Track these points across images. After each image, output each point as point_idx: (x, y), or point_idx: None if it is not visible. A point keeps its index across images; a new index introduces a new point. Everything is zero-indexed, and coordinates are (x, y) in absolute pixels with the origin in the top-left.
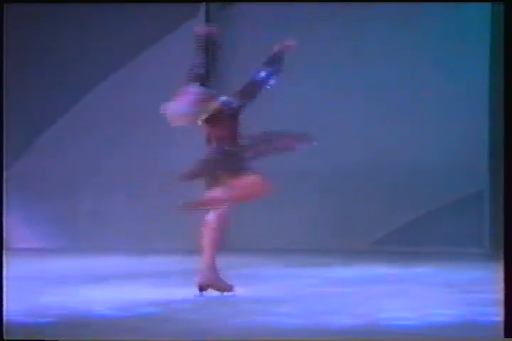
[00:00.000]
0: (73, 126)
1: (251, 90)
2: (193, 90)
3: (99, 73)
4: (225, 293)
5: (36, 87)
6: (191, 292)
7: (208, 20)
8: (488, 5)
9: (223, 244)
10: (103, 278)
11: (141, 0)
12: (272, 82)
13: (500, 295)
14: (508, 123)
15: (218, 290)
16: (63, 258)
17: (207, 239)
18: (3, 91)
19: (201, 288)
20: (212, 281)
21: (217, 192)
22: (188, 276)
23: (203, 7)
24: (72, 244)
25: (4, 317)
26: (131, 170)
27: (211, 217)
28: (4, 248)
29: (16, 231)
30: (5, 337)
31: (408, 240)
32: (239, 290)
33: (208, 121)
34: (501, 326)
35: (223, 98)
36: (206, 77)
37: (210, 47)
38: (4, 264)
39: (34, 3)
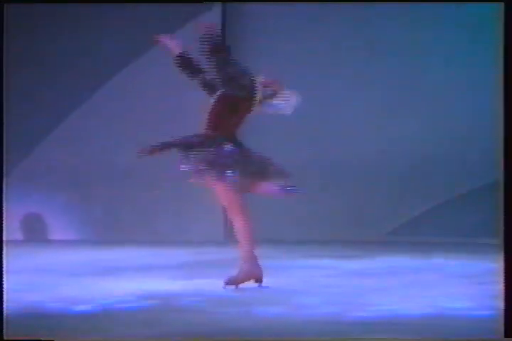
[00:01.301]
0: (84, 120)
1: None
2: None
3: (105, 71)
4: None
5: (43, 83)
6: (206, 283)
7: (224, 14)
8: (498, 4)
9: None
10: (116, 270)
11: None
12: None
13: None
14: (508, 122)
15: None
16: (76, 250)
17: (241, 231)
18: (3, 91)
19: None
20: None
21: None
22: (202, 268)
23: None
24: (85, 235)
25: (4, 317)
26: (143, 162)
27: (236, 210)
28: (12, 241)
29: (27, 224)
30: (5, 337)
31: (422, 231)
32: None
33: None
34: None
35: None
36: (215, 83)
37: (215, 49)
38: (10, 258)
39: (34, 3)
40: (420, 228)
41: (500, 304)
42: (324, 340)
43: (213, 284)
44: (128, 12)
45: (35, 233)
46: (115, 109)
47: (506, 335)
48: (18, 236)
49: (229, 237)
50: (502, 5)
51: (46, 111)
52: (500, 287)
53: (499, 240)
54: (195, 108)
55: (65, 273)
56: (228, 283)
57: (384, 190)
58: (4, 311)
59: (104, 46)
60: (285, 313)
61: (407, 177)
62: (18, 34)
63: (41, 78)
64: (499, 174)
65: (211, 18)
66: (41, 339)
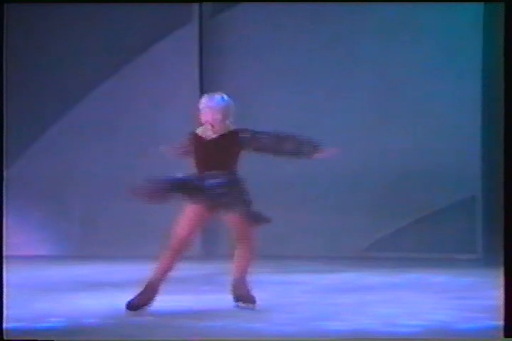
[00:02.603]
0: (66, 132)
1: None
2: None
3: (96, 76)
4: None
5: (29, 91)
6: (185, 299)
7: (201, 25)
8: (480, 5)
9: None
10: (95, 285)
11: (135, 0)
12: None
13: (495, 300)
14: (508, 128)
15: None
16: (55, 265)
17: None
18: (3, 92)
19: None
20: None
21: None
22: (181, 283)
23: (196, 12)
24: (64, 251)
25: (4, 318)
26: (123, 176)
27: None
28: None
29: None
30: (5, 337)
31: (400, 246)
32: (229, 297)
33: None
34: (493, 331)
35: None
36: None
37: None
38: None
39: (34, 3)
40: (397, 244)
41: (488, 319)
42: (324, 340)
43: (189, 300)
44: (124, 16)
45: (9, 249)
46: (91, 121)
47: (506, 335)
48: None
49: (205, 252)
50: (502, 5)
51: (23, 122)
52: (481, 301)
53: (477, 255)
54: (175, 118)
55: (38, 288)
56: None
57: (362, 205)
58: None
59: (101, 47)
60: (260, 329)
61: (384, 192)
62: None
63: (26, 85)
64: (477, 189)
65: (188, 31)
66: (41, 339)
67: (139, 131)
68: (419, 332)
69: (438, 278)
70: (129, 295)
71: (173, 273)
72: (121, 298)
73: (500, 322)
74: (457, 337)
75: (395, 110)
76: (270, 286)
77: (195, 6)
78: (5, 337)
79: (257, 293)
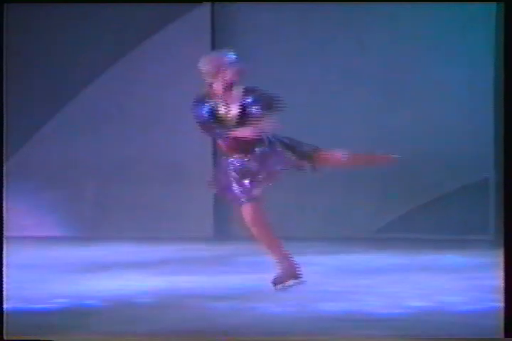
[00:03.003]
0: (76, 116)
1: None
2: None
3: (100, 67)
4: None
5: (38, 79)
6: (196, 279)
7: (213, 7)
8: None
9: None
10: (107, 266)
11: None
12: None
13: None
14: (508, 120)
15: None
16: (65, 246)
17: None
18: (3, 89)
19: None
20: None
21: None
22: (191, 264)
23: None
24: (77, 232)
25: (4, 318)
26: (135, 158)
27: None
28: (5, 237)
29: (19, 220)
30: (5, 337)
31: (413, 228)
32: (245, 277)
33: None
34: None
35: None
36: None
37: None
38: (6, 254)
39: (34, 3)
40: (410, 225)
41: (497, 301)
42: (324, 340)
43: (202, 281)
44: (116, 10)
45: (23, 230)
46: (103, 107)
47: (506, 335)
48: (6, 232)
49: (218, 234)
50: (502, 5)
51: (34, 108)
52: (492, 282)
53: (490, 236)
54: (182, 108)
55: (52, 269)
56: (276, 282)
57: (373, 186)
58: (4, 312)
59: (103, 42)
60: (274, 310)
61: (396, 173)
62: (18, 34)
63: (33, 77)
64: (490, 171)
65: (200, 13)
66: (41, 339)
67: (150, 114)
68: (428, 312)
69: (450, 259)
70: (139, 276)
71: (187, 254)
72: (131, 279)
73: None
74: (457, 336)
75: (407, 93)
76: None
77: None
78: (5, 337)
79: (268, 275)
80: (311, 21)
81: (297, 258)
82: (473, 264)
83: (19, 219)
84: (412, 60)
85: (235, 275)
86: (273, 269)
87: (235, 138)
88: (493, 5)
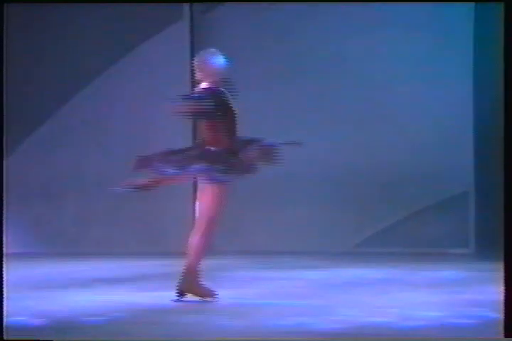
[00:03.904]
0: (58, 130)
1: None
2: None
3: (87, 75)
4: (206, 299)
5: (23, 90)
6: (173, 296)
7: (192, 23)
8: (471, 5)
9: (210, 249)
10: (87, 282)
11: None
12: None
13: (487, 295)
14: (508, 124)
15: (198, 295)
16: (47, 262)
17: (193, 244)
18: (3, 92)
19: (180, 293)
20: (193, 286)
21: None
22: (171, 280)
23: (186, 11)
24: (56, 248)
25: (4, 318)
26: (115, 174)
27: (199, 222)
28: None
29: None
30: (5, 337)
31: (392, 241)
32: (224, 293)
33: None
34: (485, 326)
35: None
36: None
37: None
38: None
39: (34, 3)
40: (390, 239)
41: (479, 314)
42: (324, 340)
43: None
44: (114, 14)
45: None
46: (85, 119)
47: (506, 335)
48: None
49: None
50: (502, 5)
51: (17, 121)
52: (471, 296)
53: (470, 250)
54: (161, 121)
55: (31, 286)
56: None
57: (354, 201)
58: (4, 311)
59: (92, 47)
60: (251, 325)
61: (377, 188)
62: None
63: (17, 85)
64: (469, 185)
65: (179, 28)
66: (41, 339)
67: (132, 129)
68: (411, 327)
69: (430, 272)
70: (121, 292)
71: (168, 270)
72: (113, 295)
73: (492, 317)
74: (458, 337)
75: (386, 107)
76: (262, 282)
77: (186, 4)
78: (5, 337)
79: (249, 290)
80: (291, 33)
81: (277, 273)
82: (454, 278)
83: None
84: (389, 76)
85: (220, 290)
86: (254, 284)
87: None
88: (471, 22)
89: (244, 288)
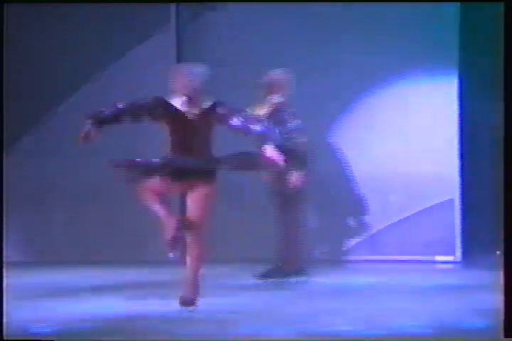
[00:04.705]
0: (47, 137)
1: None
2: None
3: (75, 81)
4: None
5: (21, 90)
6: (167, 304)
7: (178, 28)
8: (457, 5)
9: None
10: (76, 291)
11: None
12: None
13: (474, 302)
14: (508, 132)
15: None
16: (34, 271)
17: (195, 254)
18: (3, 92)
19: (191, 303)
20: (196, 297)
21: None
22: (162, 288)
23: (173, 15)
24: (46, 256)
25: (4, 318)
26: (105, 182)
27: (194, 229)
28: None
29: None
30: (5, 337)
31: (378, 249)
32: (213, 301)
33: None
34: (473, 333)
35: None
36: None
37: None
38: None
39: (34, 3)
40: (376, 247)
41: (475, 310)
42: (324, 340)
43: (168, 305)
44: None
45: None
46: (73, 126)
47: (506, 335)
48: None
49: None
50: (502, 5)
51: (13, 123)
52: (458, 304)
53: (456, 257)
54: (150, 130)
55: (19, 295)
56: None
57: (340, 209)
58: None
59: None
60: (239, 334)
61: (360, 197)
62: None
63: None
64: (454, 193)
65: (166, 36)
66: (41, 339)
67: (123, 136)
68: (398, 335)
69: (417, 280)
70: (109, 300)
71: (156, 278)
72: (100, 303)
73: (479, 324)
74: (458, 337)
75: (371, 115)
76: (249, 291)
77: (173, 11)
78: (5, 337)
79: (239, 298)
80: (281, 37)
81: (264, 281)
82: (441, 285)
83: None
84: (376, 81)
85: (208, 298)
86: (243, 293)
87: None
88: (457, 22)
89: (232, 297)
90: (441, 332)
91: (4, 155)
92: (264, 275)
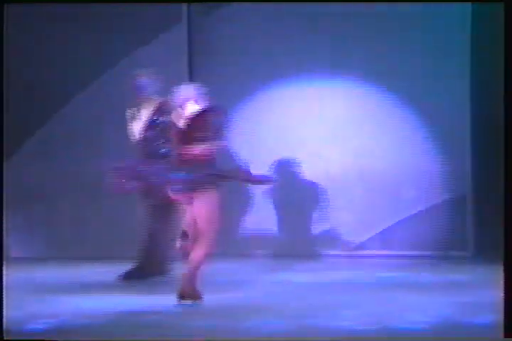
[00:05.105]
0: (55, 135)
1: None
2: None
3: (85, 79)
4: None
5: (21, 91)
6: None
7: (190, 27)
8: (467, 5)
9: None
10: (87, 286)
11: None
12: None
13: (486, 297)
14: (508, 128)
15: (194, 299)
16: (46, 266)
17: (197, 255)
18: (3, 93)
19: (182, 297)
20: (193, 291)
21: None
22: (172, 284)
23: (184, 14)
24: (55, 252)
25: (4, 318)
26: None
27: (200, 233)
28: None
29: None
30: (5, 337)
31: (391, 244)
32: (224, 296)
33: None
34: (483, 328)
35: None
36: None
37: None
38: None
39: (34, 3)
40: (388, 242)
41: (487, 305)
42: (324, 340)
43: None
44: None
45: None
46: (81, 124)
47: (506, 335)
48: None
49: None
50: (502, 5)
51: (14, 123)
52: (470, 299)
53: (468, 252)
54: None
55: (29, 290)
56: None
57: (353, 203)
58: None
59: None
60: (248, 328)
61: (375, 191)
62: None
63: (22, 85)
64: (467, 188)
65: (177, 32)
66: (41, 339)
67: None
68: (410, 331)
69: (429, 275)
70: (117, 296)
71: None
72: (111, 299)
73: (492, 320)
74: (458, 337)
75: (384, 110)
76: (262, 285)
77: (184, 8)
78: (5, 337)
79: (251, 292)
80: (292, 38)
81: (278, 276)
82: (453, 280)
83: None
84: (390, 76)
85: (215, 294)
86: (256, 287)
87: None
88: (469, 21)
89: (243, 292)
90: (451, 329)
91: (5, 155)
92: (126, 276)
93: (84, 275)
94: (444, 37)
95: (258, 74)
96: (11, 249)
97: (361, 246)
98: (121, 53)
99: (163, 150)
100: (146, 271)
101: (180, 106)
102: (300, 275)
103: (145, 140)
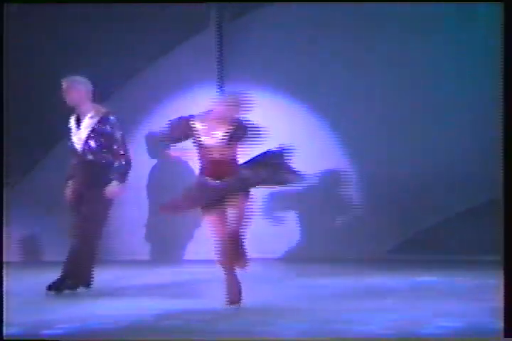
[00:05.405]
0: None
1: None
2: None
3: (110, 83)
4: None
5: (39, 86)
6: (199, 303)
7: (220, 30)
8: (497, 4)
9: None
10: (113, 289)
11: (145, 0)
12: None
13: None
14: (508, 128)
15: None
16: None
17: (231, 262)
18: (3, 92)
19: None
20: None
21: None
22: (199, 286)
23: (214, 17)
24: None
25: (4, 318)
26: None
27: (230, 239)
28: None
29: (20, 245)
30: (5, 337)
31: (422, 249)
32: (250, 300)
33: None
34: None
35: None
36: None
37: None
38: (5, 274)
39: (34, 3)
40: (419, 246)
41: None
42: (324, 340)
43: (203, 303)
44: (136, 22)
45: (31, 254)
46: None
47: (506, 335)
48: (13, 257)
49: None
50: (502, 5)
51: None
52: (498, 303)
53: (499, 257)
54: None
55: (36, 294)
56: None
57: (384, 208)
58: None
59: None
60: (275, 333)
61: (406, 196)
62: (18, 34)
63: (37, 87)
64: (498, 192)
65: (207, 35)
66: (41, 339)
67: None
68: (438, 335)
69: (461, 280)
70: (136, 300)
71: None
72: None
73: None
74: (458, 337)
75: (412, 114)
76: (292, 290)
77: (214, 11)
78: (5, 337)
79: (280, 296)
80: (320, 40)
81: (306, 281)
82: (485, 285)
83: (25, 244)
84: (418, 79)
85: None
86: (285, 291)
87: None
88: (498, 22)
89: (270, 296)
90: (482, 334)
91: (5, 155)
92: (53, 287)
93: (116, 278)
94: (475, 37)
95: (287, 77)
96: (46, 253)
97: (393, 250)
98: (148, 58)
99: (104, 161)
100: (70, 282)
101: (219, 119)
102: (329, 281)
103: (89, 149)
